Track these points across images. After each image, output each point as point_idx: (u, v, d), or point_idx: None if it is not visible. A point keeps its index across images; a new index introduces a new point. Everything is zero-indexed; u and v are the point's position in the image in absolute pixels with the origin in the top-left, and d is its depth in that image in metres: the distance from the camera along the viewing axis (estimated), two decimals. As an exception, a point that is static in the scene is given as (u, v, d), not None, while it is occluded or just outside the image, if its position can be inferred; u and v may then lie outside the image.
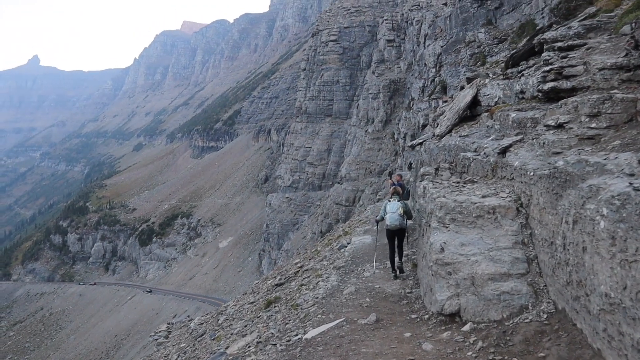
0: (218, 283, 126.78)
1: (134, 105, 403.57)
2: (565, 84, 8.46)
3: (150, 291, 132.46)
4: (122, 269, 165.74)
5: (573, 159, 5.51)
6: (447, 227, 6.79)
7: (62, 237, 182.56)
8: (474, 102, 17.48)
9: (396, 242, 11.01)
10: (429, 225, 7.35)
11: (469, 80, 21.55)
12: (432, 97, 70.33)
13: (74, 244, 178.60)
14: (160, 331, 26.36)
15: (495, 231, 6.54)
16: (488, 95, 16.11)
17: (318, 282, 10.98)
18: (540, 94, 9.54)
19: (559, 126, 7.12)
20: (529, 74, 11.91)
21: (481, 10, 55.49)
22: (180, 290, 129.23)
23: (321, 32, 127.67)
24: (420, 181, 12.51)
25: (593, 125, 6.49)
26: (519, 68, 14.31)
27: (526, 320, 5.65)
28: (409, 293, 8.92)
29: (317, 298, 9.52)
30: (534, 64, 13.09)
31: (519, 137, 8.40)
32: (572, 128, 6.82)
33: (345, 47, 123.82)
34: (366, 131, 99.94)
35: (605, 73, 7.66)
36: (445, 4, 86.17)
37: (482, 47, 52.10)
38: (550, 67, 9.35)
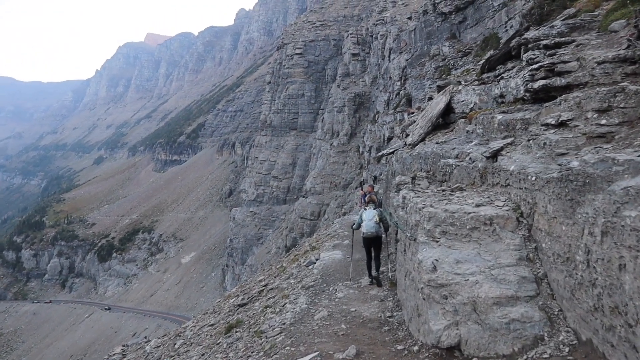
0: (180, 300, 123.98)
1: (95, 117, 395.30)
2: (559, 81, 7.63)
3: (109, 309, 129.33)
4: (79, 286, 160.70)
5: (593, 157, 4.60)
6: (437, 242, 5.79)
7: (15, 253, 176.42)
8: (447, 110, 16.74)
9: (373, 252, 10.94)
10: (415, 240, 6.35)
11: (440, 87, 20.82)
12: (397, 110, 70.46)
13: (29, 260, 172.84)
14: (114, 354, 24.78)
15: (495, 245, 5.57)
16: (463, 101, 15.37)
17: (285, 304, 9.84)
18: (527, 94, 8.71)
19: (561, 125, 6.24)
20: (510, 77, 11.12)
21: (445, 25, 55.93)
22: (141, 307, 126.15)
23: (286, 46, 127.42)
24: (397, 191, 11.57)
25: (603, 121, 5.62)
26: (496, 72, 13.56)
27: (544, 356, 4.65)
28: (389, 317, 7.85)
29: (284, 324, 8.37)
30: (513, 67, 12.34)
31: (509, 140, 7.51)
32: (577, 126, 5.94)
33: (311, 60, 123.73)
34: (331, 144, 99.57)
35: (607, 67, 6.83)
36: (409, 18, 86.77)
37: (446, 60, 52.37)
38: (539, 64, 8.53)
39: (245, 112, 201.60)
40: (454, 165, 9.00)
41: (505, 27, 44.45)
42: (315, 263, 13.62)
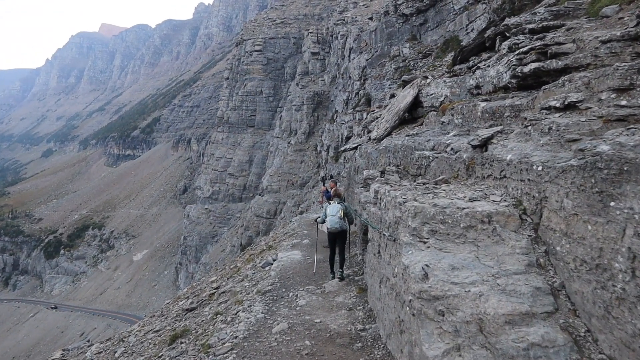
0: (131, 298, 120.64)
1: (44, 108, 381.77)
2: (555, 64, 6.75)
3: (55, 307, 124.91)
4: (24, 283, 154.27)
5: (632, 139, 3.65)
6: (425, 243, 4.76)
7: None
8: (414, 104, 15.88)
9: (338, 246, 10.62)
10: (395, 240, 5.32)
11: (406, 82, 20.01)
12: (356, 109, 70.26)
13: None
14: (53, 359, 23.06)
15: (496, 248, 4.57)
16: (432, 94, 14.52)
17: (238, 311, 8.65)
18: (514, 80, 7.83)
19: (568, 107, 5.32)
20: (488, 65, 10.27)
21: (406, 26, 55.99)
22: (90, 306, 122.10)
23: (246, 42, 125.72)
24: (364, 186, 10.55)
25: (623, 102, 4.70)
26: (469, 63, 12.74)
27: (576, 394, 3.66)
28: (361, 331, 6.76)
29: (236, 337, 7.16)
30: (489, 57, 11.52)
31: (498, 128, 6.56)
32: (590, 108, 5.01)
33: (270, 57, 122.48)
34: (289, 143, 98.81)
35: (614, 46, 5.96)
36: (370, 19, 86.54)
37: (406, 61, 52.33)
38: (528, 47, 7.65)
39: (202, 108, 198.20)
40: (430, 158, 8.03)
41: (467, 29, 44.37)
42: (272, 264, 12.48)
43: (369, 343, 6.30)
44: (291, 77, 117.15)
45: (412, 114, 15.97)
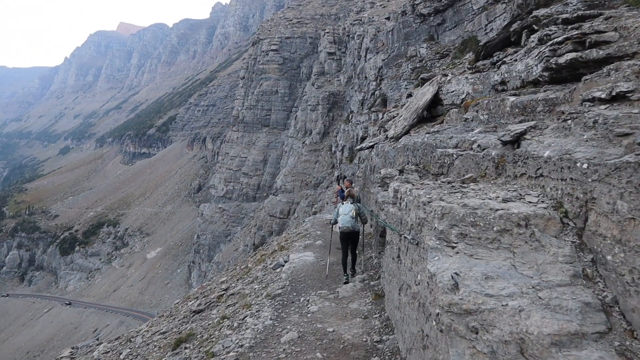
0: (144, 296, 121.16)
1: (62, 106, 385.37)
2: (595, 54, 6.16)
3: (69, 304, 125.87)
4: (39, 279, 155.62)
5: None
6: (454, 248, 4.19)
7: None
8: (434, 102, 15.31)
9: (350, 247, 10.58)
10: (418, 244, 4.77)
11: (424, 80, 19.42)
12: (372, 109, 69.86)
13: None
14: (61, 357, 22.78)
15: (536, 255, 3.98)
16: (453, 92, 13.98)
17: (245, 316, 8.12)
18: (546, 73, 7.25)
19: (616, 98, 4.74)
20: (515, 59, 9.68)
21: (423, 26, 55.80)
22: (103, 302, 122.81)
23: (262, 41, 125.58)
24: (381, 185, 9.99)
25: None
26: (494, 59, 12.13)
27: None
28: (378, 342, 6.19)
29: (241, 346, 6.61)
30: (515, 51, 10.91)
31: (530, 123, 5.98)
32: (642, 99, 4.44)
33: (286, 57, 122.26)
34: (303, 143, 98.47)
35: (663, 33, 5.38)
36: (387, 19, 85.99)
37: (423, 61, 52.02)
38: (563, 37, 7.06)
39: (218, 107, 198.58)
40: (454, 155, 7.46)
41: (485, 30, 43.67)
42: (283, 266, 11.94)
43: (387, 357, 5.73)
44: (307, 77, 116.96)
45: (431, 112, 15.41)
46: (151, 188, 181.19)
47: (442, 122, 12.58)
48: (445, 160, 7.82)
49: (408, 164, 10.57)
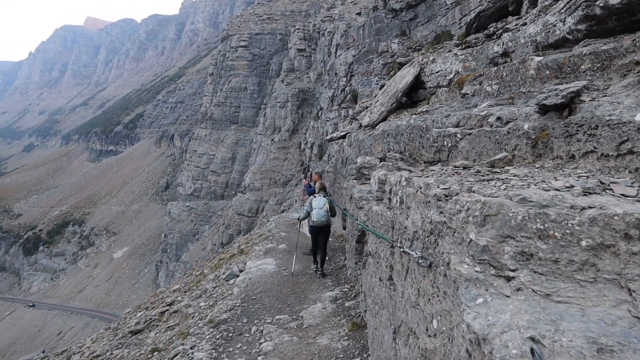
0: (110, 296, 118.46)
1: (26, 102, 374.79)
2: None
3: (33, 305, 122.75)
4: (1, 280, 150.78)
5: None
6: (510, 279, 2.20)
7: None
8: (414, 86, 13.45)
9: (320, 242, 10.26)
10: (430, 266, 2.79)
11: (401, 65, 17.57)
12: (342, 106, 68.93)
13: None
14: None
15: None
16: (438, 72, 12.14)
17: (178, 354, 6.01)
18: (582, 26, 5.36)
19: None
20: (523, 24, 7.83)
21: (395, 21, 55.45)
22: (68, 304, 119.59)
23: (231, 37, 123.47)
24: (357, 178, 7.99)
25: None
26: (489, 30, 10.32)
27: None
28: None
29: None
30: (517, 18, 9.08)
31: (581, 83, 4.06)
32: None
33: (255, 53, 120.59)
34: (272, 140, 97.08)
35: None
36: (358, 14, 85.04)
37: (395, 56, 50.94)
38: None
39: (186, 104, 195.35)
40: (458, 135, 5.53)
41: (459, 23, 42.59)
42: (238, 276, 9.87)
43: None
44: (276, 74, 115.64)
45: (412, 97, 13.55)
46: (118, 186, 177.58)
47: (428, 103, 10.69)
48: (445, 143, 5.88)
49: (389, 151, 8.64)
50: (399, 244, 3.67)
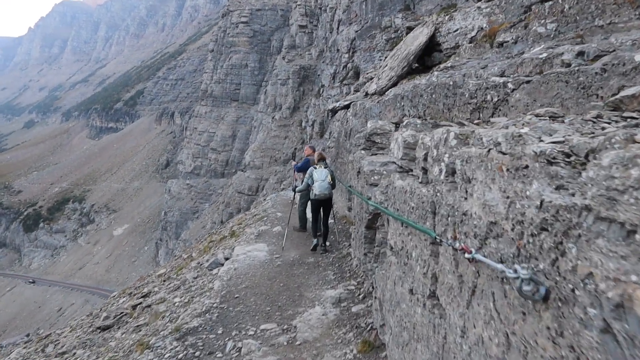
0: (110, 273, 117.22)
1: (26, 78, 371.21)
2: None
3: (33, 282, 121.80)
4: (2, 257, 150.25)
5: None
6: None
7: None
8: (427, 49, 11.89)
9: (323, 217, 9.76)
10: (558, 301, 1.28)
11: (410, 29, 15.96)
12: (343, 82, 67.50)
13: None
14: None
15: None
16: (457, 30, 10.59)
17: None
18: None
19: None
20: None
21: None
22: (68, 281, 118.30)
23: (232, 13, 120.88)
24: (366, 149, 6.46)
25: None
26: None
27: None
28: None
29: None
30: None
31: None
32: None
33: (256, 30, 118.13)
34: (273, 118, 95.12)
35: None
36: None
37: (399, 32, 49.68)
38: None
39: (187, 81, 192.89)
40: (509, 86, 4.01)
41: (466, -4, 40.95)
42: (222, 265, 8.37)
43: None
44: (277, 51, 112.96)
45: (425, 61, 12.00)
46: (118, 163, 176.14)
47: (447, 63, 9.17)
48: (488, 98, 4.37)
49: (404, 117, 7.14)
50: (451, 242, 2.18)
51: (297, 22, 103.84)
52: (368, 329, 4.71)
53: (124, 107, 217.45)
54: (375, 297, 4.42)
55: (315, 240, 9.61)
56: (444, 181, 2.47)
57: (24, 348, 15.88)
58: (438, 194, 2.53)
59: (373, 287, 4.70)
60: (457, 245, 2.03)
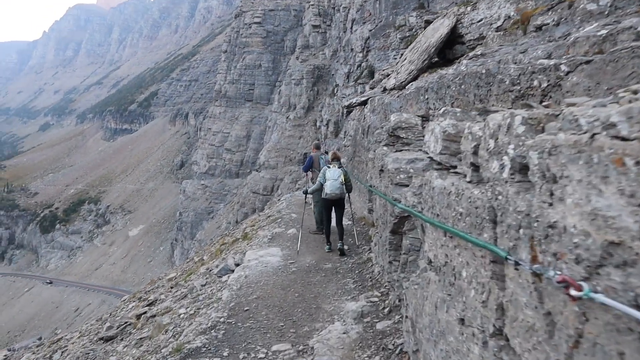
0: (126, 274, 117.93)
1: (41, 81, 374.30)
2: None
3: (50, 282, 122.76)
4: (19, 258, 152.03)
5: None
6: None
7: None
8: (447, 42, 11.27)
9: (335, 216, 9.57)
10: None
11: (428, 22, 15.29)
12: (358, 82, 67.17)
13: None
14: (-3, 360, 20.27)
15: None
16: (481, 20, 9.98)
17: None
18: None
19: None
20: None
21: None
22: (85, 281, 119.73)
23: (245, 14, 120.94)
24: (388, 145, 5.84)
25: None
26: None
27: None
28: None
29: None
30: None
31: None
32: None
33: (270, 30, 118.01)
34: (287, 118, 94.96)
35: None
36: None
37: (413, 30, 49.40)
38: None
39: (200, 82, 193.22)
40: (563, 68, 3.39)
41: (484, -9, 40.01)
42: (232, 272, 7.77)
43: None
44: (291, 51, 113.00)
45: (446, 54, 11.37)
46: (133, 165, 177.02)
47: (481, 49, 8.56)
48: (535, 83, 3.75)
49: (430, 110, 6.54)
50: (541, 269, 1.56)
51: (310, 22, 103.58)
52: (397, 351, 4.08)
53: (138, 109, 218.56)
54: (407, 317, 3.79)
55: (327, 247, 9.37)
56: (508, 180, 1.88)
57: (34, 353, 15.55)
58: (499, 197, 1.94)
59: (400, 300, 4.09)
60: (551, 274, 1.41)
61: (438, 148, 2.86)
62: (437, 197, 2.76)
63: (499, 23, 9.00)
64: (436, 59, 11.61)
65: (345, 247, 9.08)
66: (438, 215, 2.73)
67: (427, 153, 3.40)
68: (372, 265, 6.95)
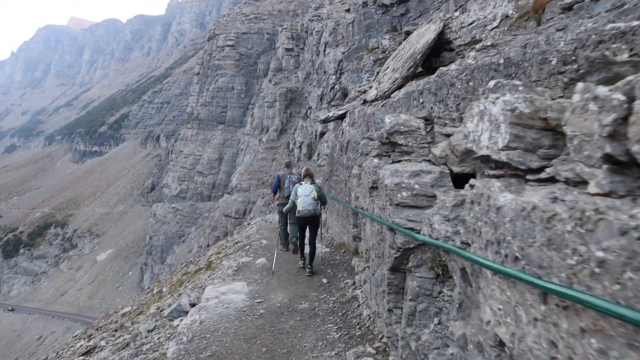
0: (93, 300, 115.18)
1: (8, 102, 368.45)
2: None
3: (12, 309, 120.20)
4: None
5: None
6: None
7: None
8: (434, 48, 10.23)
9: (309, 234, 9.22)
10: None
11: (408, 33, 14.32)
12: (331, 104, 67.10)
13: None
14: None
15: None
16: (473, 23, 8.96)
17: None
18: None
19: None
20: None
21: (386, 17, 55.18)
22: (49, 308, 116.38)
23: (218, 36, 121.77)
24: (379, 156, 4.61)
25: None
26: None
27: None
28: None
29: None
30: None
31: None
32: None
33: (242, 53, 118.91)
34: (260, 140, 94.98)
35: None
36: (347, 11, 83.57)
37: (386, 52, 49.42)
38: None
39: (172, 105, 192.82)
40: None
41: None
42: (186, 314, 6.36)
43: None
44: (264, 74, 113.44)
45: (432, 63, 10.32)
46: (102, 187, 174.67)
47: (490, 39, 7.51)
48: (609, 54, 2.56)
49: (423, 113, 5.38)
50: None
51: (283, 45, 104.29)
52: None
53: (108, 131, 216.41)
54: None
55: (301, 262, 9.33)
56: None
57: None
58: None
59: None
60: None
61: (501, 140, 1.65)
62: (509, 224, 1.52)
63: (494, 24, 7.98)
64: (420, 70, 10.56)
65: (326, 300, 7.82)
66: (517, 258, 1.48)
67: (474, 152, 2.15)
68: (358, 306, 5.58)
